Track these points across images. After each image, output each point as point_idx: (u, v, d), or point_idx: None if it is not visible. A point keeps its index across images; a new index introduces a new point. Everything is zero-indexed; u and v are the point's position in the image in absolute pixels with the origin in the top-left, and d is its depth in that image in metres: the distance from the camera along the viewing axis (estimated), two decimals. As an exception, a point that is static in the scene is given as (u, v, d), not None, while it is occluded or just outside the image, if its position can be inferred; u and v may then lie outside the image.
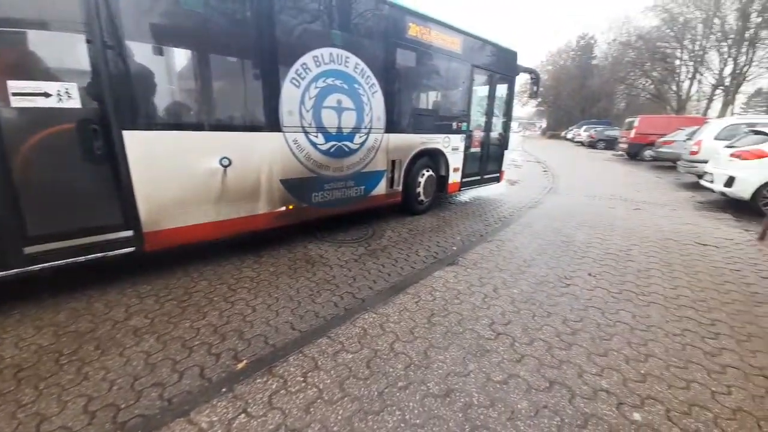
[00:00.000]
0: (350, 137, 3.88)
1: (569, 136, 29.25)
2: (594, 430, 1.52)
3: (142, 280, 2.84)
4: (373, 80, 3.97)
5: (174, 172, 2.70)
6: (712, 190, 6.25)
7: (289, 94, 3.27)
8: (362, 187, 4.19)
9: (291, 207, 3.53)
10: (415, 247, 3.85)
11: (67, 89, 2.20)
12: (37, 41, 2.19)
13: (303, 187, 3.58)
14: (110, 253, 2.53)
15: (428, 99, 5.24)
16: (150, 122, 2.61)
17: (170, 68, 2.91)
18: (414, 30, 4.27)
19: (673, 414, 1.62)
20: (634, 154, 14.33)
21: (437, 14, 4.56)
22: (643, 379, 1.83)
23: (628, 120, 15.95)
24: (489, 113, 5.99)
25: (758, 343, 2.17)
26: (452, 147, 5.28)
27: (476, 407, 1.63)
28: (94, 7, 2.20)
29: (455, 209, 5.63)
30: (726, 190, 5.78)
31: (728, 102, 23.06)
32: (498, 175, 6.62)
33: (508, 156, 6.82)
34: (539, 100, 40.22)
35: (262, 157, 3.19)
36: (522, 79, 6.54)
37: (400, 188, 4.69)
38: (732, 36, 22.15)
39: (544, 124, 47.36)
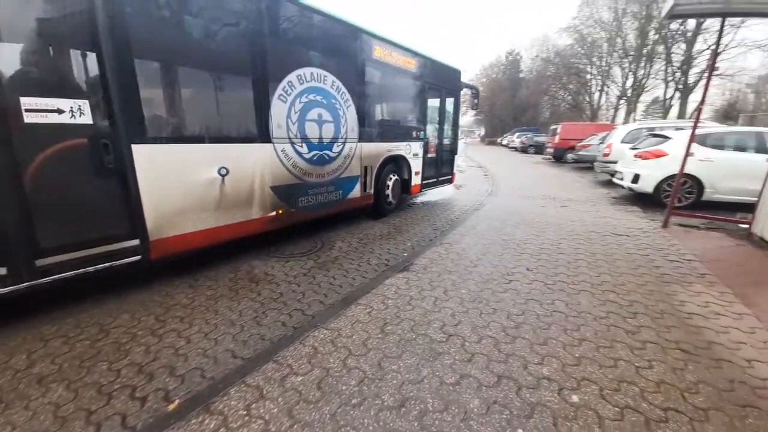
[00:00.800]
0: (330, 146, 4.27)
1: (504, 142, 31.76)
2: (540, 419, 1.60)
3: (47, 319, 2.42)
4: (347, 95, 4.42)
5: (177, 183, 2.85)
6: (622, 187, 7.16)
7: (278, 108, 3.59)
8: (341, 192, 4.59)
9: (281, 212, 3.80)
10: (366, 256, 3.81)
11: (80, 106, 2.28)
12: (50, 59, 2.30)
13: (290, 193, 3.88)
14: (118, 263, 2.59)
15: (392, 111, 5.77)
16: (156, 136, 2.75)
17: (174, 86, 3.16)
18: (378, 52, 4.82)
19: (606, 392, 1.76)
20: (559, 157, 15.96)
21: (397, 38, 5.14)
22: (578, 362, 1.98)
23: (552, 127, 17.83)
24: (441, 123, 6.71)
25: (670, 319, 2.48)
26: (413, 153, 5.91)
27: (431, 413, 1.62)
28: (105, 27, 2.32)
29: (406, 216, 5.73)
30: (633, 186, 6.67)
31: (631, 110, 26.95)
32: (450, 177, 7.43)
33: (458, 160, 7.61)
34: (477, 110, 43.88)
35: (255, 166, 3.43)
36: (463, 93, 7.53)
37: (372, 191, 5.15)
38: (632, 53, 26.01)
39: (482, 131, 50.90)
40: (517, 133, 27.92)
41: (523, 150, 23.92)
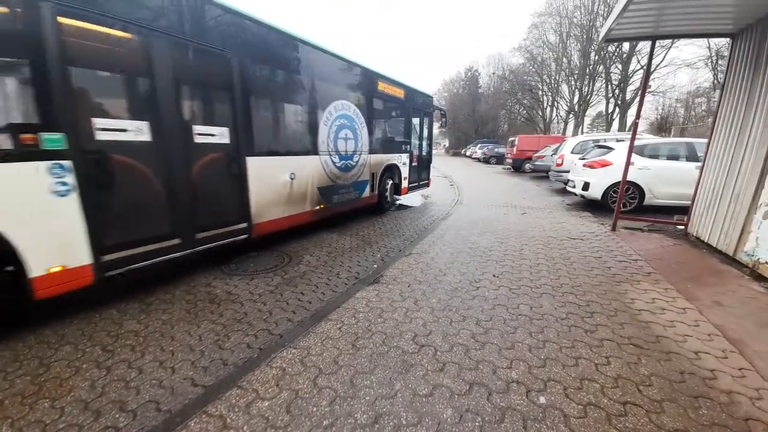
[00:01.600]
0: (351, 157, 5.73)
1: (468, 153, 33.19)
2: (511, 423, 1.63)
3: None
4: (362, 119, 5.88)
5: (268, 184, 4.13)
6: (575, 194, 7.70)
7: (322, 130, 5.02)
8: (357, 192, 6.03)
9: (322, 206, 5.13)
10: (335, 270, 3.74)
11: (224, 131, 3.52)
12: (210, 101, 3.58)
13: (328, 192, 5.24)
14: (234, 239, 3.72)
15: (389, 130, 7.31)
16: (259, 152, 3.96)
17: (268, 116, 4.37)
18: (381, 86, 6.37)
19: (570, 391, 1.84)
20: (517, 168, 16.91)
21: (393, 74, 6.76)
22: (544, 364, 2.06)
23: (510, 139, 18.91)
24: (420, 138, 8.40)
25: (623, 316, 2.66)
26: (403, 162, 7.50)
27: (405, 428, 1.59)
28: (238, 82, 3.62)
29: (374, 227, 5.73)
30: (584, 193, 7.20)
31: (578, 123, 29.28)
32: (428, 181, 9.20)
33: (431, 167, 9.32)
34: (446, 127, 45.94)
35: (309, 172, 4.82)
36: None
37: (376, 192, 6.61)
38: (577, 72, 28.41)
39: (447, 143, 52.79)
40: (479, 145, 29.36)
41: (485, 161, 25.08)
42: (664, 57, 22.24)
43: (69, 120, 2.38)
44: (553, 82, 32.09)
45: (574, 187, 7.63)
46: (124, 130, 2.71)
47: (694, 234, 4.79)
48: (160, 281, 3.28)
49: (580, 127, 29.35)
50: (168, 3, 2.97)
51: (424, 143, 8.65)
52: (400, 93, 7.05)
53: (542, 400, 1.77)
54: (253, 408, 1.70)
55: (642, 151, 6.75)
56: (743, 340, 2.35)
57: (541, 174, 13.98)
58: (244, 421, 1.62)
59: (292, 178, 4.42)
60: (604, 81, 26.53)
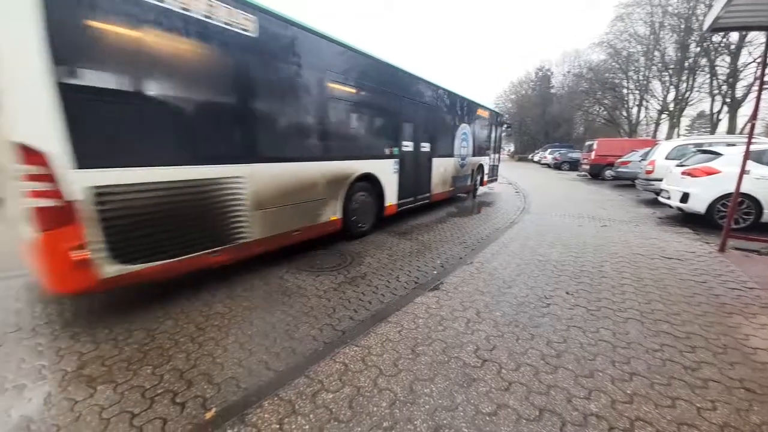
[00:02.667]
0: (465, 159, 8.80)
1: (536, 158, 30.94)
2: (588, 460, 1.46)
3: (101, 324, 2.58)
4: (470, 134, 8.97)
5: (437, 173, 7.25)
6: (670, 206, 6.68)
7: (456, 143, 8.16)
8: (465, 182, 9.04)
9: (452, 188, 8.16)
10: (395, 273, 3.78)
11: (426, 144, 6.77)
12: (423, 130, 6.78)
13: (456, 180, 8.32)
14: (426, 201, 7.05)
15: (481, 140, 10.11)
16: (437, 155, 7.16)
17: (442, 136, 7.45)
18: (479, 111, 9.54)
19: (663, 435, 1.59)
20: (595, 174, 15.26)
21: (484, 101, 10.00)
22: (630, 400, 1.82)
23: (587, 143, 17.14)
24: (494, 146, 11.55)
25: (734, 355, 2.23)
26: (485, 163, 10.61)
27: (467, 444, 1.53)
28: (435, 119, 7.25)
29: (433, 233, 5.66)
30: (682, 205, 6.20)
31: (674, 125, 25.39)
32: (496, 178, 12.49)
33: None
34: (510, 135, 44.41)
35: (450, 167, 7.95)
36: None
37: (472, 183, 9.60)
38: (672, 66, 24.77)
39: (512, 147, 49.92)
40: (549, 149, 27.15)
41: (557, 166, 23.13)
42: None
43: (398, 143, 5.83)
44: (641, 78, 28.34)
45: (668, 198, 6.62)
46: (407, 146, 6.10)
47: (842, 263, 3.81)
48: (244, 270, 3.64)
49: (676, 129, 25.44)
50: (420, 88, 6.51)
51: (497, 149, 12.04)
52: (486, 114, 10.19)
53: (628, 440, 1.56)
54: (318, 398, 1.79)
55: (761, 157, 5.61)
56: None
57: (626, 182, 12.45)
58: (310, 409, 1.72)
59: (442, 170, 7.51)
60: (707, 76, 22.62)
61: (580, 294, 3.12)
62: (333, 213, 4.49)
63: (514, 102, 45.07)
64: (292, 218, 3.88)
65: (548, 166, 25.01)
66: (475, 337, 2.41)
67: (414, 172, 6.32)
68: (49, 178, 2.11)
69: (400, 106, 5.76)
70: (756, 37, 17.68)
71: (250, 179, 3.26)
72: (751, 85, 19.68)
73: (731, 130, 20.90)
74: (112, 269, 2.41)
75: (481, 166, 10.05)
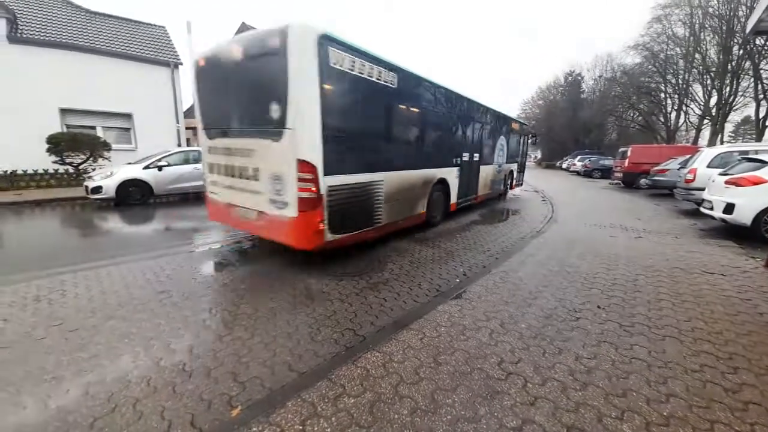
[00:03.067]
0: (501, 165, 9.87)
1: (564, 165, 29.87)
2: (620, 484, 1.39)
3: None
4: (506, 145, 10.05)
5: (484, 177, 8.62)
6: (712, 217, 6.25)
7: (496, 151, 9.30)
8: (499, 186, 10.13)
9: (490, 191, 9.32)
10: (417, 280, 3.76)
11: (476, 155, 7.97)
12: (472, 144, 7.85)
13: (493, 184, 9.46)
14: (471, 203, 8.24)
15: (512, 149, 10.90)
16: (483, 163, 8.44)
17: (487, 148, 8.66)
18: (513, 125, 10.61)
19: (705, 463, 1.48)
20: (629, 183, 14.54)
21: (516, 115, 11.46)
22: (667, 423, 1.71)
23: (621, 150, 16.36)
24: (522, 152, 12.64)
25: (783, 379, 2.05)
26: (514, 169, 11.60)
27: (490, 458, 1.50)
28: (484, 135, 8.47)
29: (457, 240, 5.59)
30: (726, 216, 5.78)
31: (717, 131, 23.76)
32: (522, 182, 13.22)
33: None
34: (535, 144, 43.61)
35: (490, 173, 9.09)
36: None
37: (504, 187, 10.65)
38: (714, 69, 23.33)
39: (539, 154, 48.51)
40: (578, 156, 26.15)
41: (587, 174, 22.24)
42: None
43: (460, 155, 7.13)
44: (680, 82, 26.81)
45: (711, 208, 6.20)
46: (465, 156, 7.30)
47: None
48: (271, 275, 3.76)
49: (720, 135, 23.79)
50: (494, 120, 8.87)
51: (524, 156, 13.06)
52: (516, 126, 11.02)
53: (665, 466, 1.47)
54: (340, 402, 1.81)
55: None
56: None
57: (663, 191, 11.78)
58: (332, 412, 1.74)
59: (485, 176, 8.68)
60: (752, 79, 21.08)
61: (612, 308, 2.98)
62: (422, 207, 5.94)
63: (542, 108, 43.94)
64: (402, 210, 5.32)
65: (578, 173, 24.08)
66: (499, 348, 2.35)
67: (467, 178, 7.67)
68: (314, 180, 3.53)
69: (465, 125, 7.30)
70: None
71: (386, 181, 4.76)
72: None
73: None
74: (328, 237, 3.83)
75: (511, 172, 11.22)
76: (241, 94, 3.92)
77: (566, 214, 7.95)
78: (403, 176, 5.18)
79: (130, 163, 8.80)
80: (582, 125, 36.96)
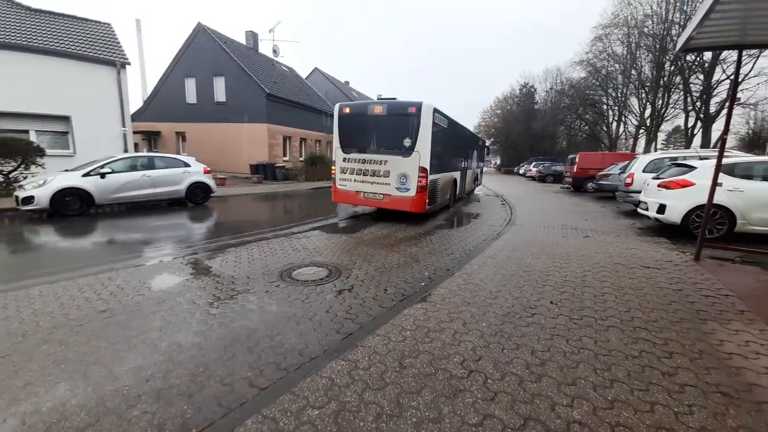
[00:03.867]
0: (474, 170, 14.21)
1: (521, 171, 31.71)
2: (571, 468, 1.48)
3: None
4: (475, 155, 13.56)
5: (467, 177, 12.38)
6: (648, 217, 6.92)
7: (472, 160, 13.07)
8: (473, 185, 14.20)
9: (469, 189, 13.59)
10: (383, 286, 3.78)
11: (466, 163, 11.93)
12: (463, 156, 11.68)
13: (472, 182, 13.88)
14: (462, 195, 12.28)
15: (474, 157, 13.59)
16: (468, 169, 12.35)
17: (471, 155, 13.43)
18: (479, 141, 15.03)
19: (643, 440, 1.63)
20: (578, 187, 15.72)
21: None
22: (611, 406, 1.85)
23: (570, 156, 17.72)
24: (482, 160, 16.48)
25: (709, 360, 2.30)
26: (478, 172, 14.95)
27: (452, 456, 1.53)
28: (462, 147, 11.48)
29: (422, 244, 5.70)
30: (659, 216, 6.44)
31: (651, 139, 26.50)
32: (480, 183, 16.33)
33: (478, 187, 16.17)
34: (492, 140, 46.23)
35: (471, 174, 13.32)
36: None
37: (474, 186, 14.69)
38: (648, 84, 26.06)
39: (498, 161, 51.05)
40: (534, 162, 27.93)
41: (541, 179, 23.74)
42: (753, 66, 19.48)
43: (461, 164, 10.75)
44: (620, 95, 29.70)
45: (646, 209, 6.87)
46: (463, 164, 11.13)
47: (808, 269, 4.01)
48: (236, 285, 3.59)
49: (653, 144, 26.54)
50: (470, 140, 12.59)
51: (483, 162, 17.58)
52: (479, 141, 14.95)
53: (610, 446, 1.59)
54: (303, 415, 1.76)
55: (732, 170, 5.91)
56: None
57: (607, 194, 12.84)
58: (294, 426, 1.69)
59: (469, 177, 12.21)
60: (681, 93, 23.88)
61: (564, 303, 3.19)
62: (448, 196, 9.14)
63: (500, 117, 46.45)
64: (441, 197, 8.37)
65: (533, 178, 25.65)
66: (461, 348, 2.42)
67: (463, 178, 11.10)
68: (426, 177, 6.88)
69: (462, 143, 10.79)
70: (731, 54, 18.80)
71: (441, 179, 8.12)
72: (724, 101, 20.78)
73: (705, 144, 21.93)
74: (428, 207, 7.34)
75: (477, 174, 15.14)
76: (379, 130, 7.10)
77: (523, 217, 8.42)
78: (446, 176, 8.60)
79: (67, 170, 8.03)
80: (536, 134, 39.54)
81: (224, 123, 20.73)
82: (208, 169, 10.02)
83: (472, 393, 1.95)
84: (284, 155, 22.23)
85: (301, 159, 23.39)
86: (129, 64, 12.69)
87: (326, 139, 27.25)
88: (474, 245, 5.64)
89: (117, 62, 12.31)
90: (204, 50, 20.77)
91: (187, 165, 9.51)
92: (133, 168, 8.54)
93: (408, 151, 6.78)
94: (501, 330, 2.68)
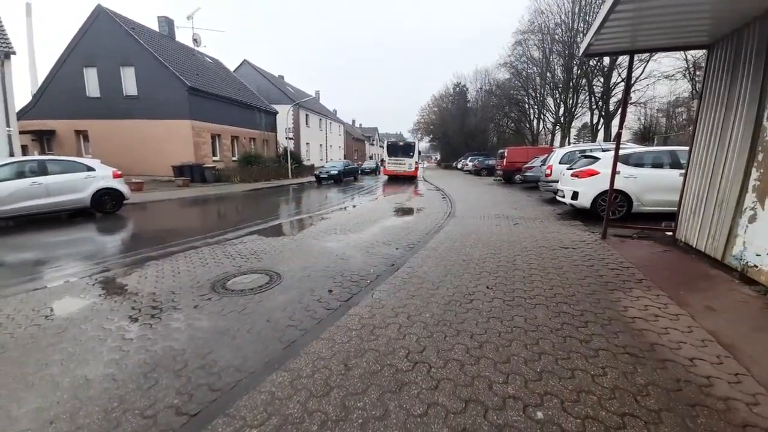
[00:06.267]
0: (418, 163, 24.10)
1: (459, 166, 33.66)
2: (508, 441, 1.57)
3: None
4: (415, 154, 22.28)
5: (421, 167, 28.29)
6: (565, 203, 7.80)
7: (415, 158, 23.41)
8: (418, 171, 23.71)
9: (419, 172, 24.90)
10: (328, 287, 3.68)
11: (415, 161, 23.72)
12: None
13: (422, 170, 29.50)
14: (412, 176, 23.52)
15: (411, 156, 22.37)
16: (418, 164, 24.25)
17: (414, 156, 23.93)
18: (414, 146, 22.80)
19: (567, 404, 1.80)
20: (508, 179, 17.13)
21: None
22: (540, 377, 2.02)
23: (500, 151, 19.22)
24: (418, 157, 24.17)
25: (617, 325, 2.64)
26: (417, 166, 22.96)
27: (399, 451, 1.53)
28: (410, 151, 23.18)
29: (368, 240, 5.69)
30: (573, 202, 7.29)
31: (565, 135, 29.95)
32: (417, 169, 22.69)
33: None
34: (431, 136, 48.28)
35: (416, 166, 24.26)
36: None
37: (417, 173, 23.58)
38: (560, 86, 29.32)
39: (438, 156, 53.46)
40: (470, 158, 29.85)
41: (476, 173, 25.41)
42: (644, 69, 23.09)
43: (416, 161, 23.70)
44: (538, 95, 32.96)
45: (563, 196, 7.73)
46: (417, 162, 23.32)
47: (683, 240, 4.85)
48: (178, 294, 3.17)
49: (567, 138, 30.01)
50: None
51: (420, 159, 25.09)
52: (413, 144, 22.62)
53: (539, 415, 1.73)
54: (239, 436, 1.62)
55: (627, 160, 6.90)
56: (737, 345, 2.34)
57: (532, 185, 14.17)
58: (229, 450, 1.54)
59: (420, 168, 24.26)
60: (587, 94, 27.35)
61: (498, 287, 3.42)
62: (420, 172, 23.97)
63: (437, 114, 48.56)
64: (418, 173, 23.35)
65: (470, 172, 27.36)
66: (406, 341, 2.45)
67: (418, 167, 21.94)
68: (417, 167, 23.43)
69: (413, 149, 21.93)
70: (624, 60, 21.90)
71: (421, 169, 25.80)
72: (620, 101, 24.25)
73: (607, 138, 25.41)
74: (417, 175, 23.60)
75: (418, 165, 23.17)
76: (400, 151, 21.90)
77: (462, 209, 8.90)
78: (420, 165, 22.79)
79: None
80: (470, 130, 42.18)
81: (138, 119, 18.36)
82: (119, 172, 8.73)
83: (417, 384, 1.98)
84: (214, 155, 20.57)
85: (235, 159, 21.93)
86: (14, 53, 10.62)
87: (262, 137, 25.85)
88: (417, 239, 5.80)
89: (0, 52, 10.22)
90: (106, 36, 18.14)
91: (90, 169, 8.21)
92: (20, 175, 7.18)
93: (411, 157, 21.34)
94: (443, 319, 2.77)
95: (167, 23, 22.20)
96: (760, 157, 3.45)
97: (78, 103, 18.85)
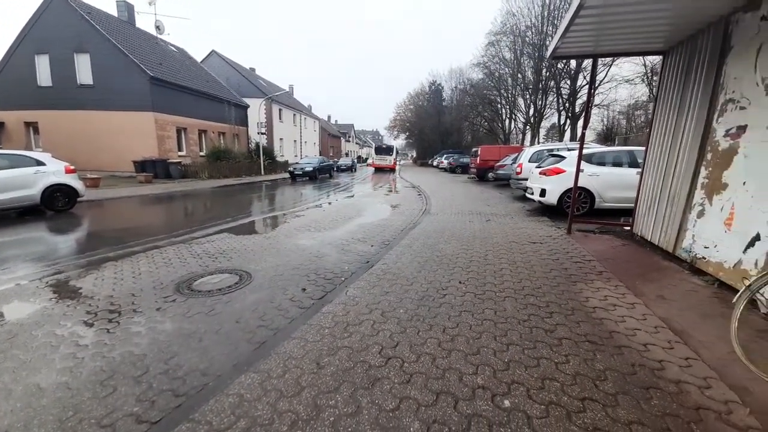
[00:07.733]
0: (397, 161, 34.27)
1: (434, 163, 34.23)
2: (476, 429, 1.62)
3: None
4: (394, 154, 31.37)
5: (398, 164, 36.54)
6: (534, 200, 8.11)
7: (397, 156, 35.31)
8: (396, 165, 32.92)
9: (397, 166, 33.87)
10: (301, 284, 3.61)
11: (393, 159, 32.78)
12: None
13: (400, 166, 38.78)
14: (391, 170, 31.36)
15: (392, 155, 31.13)
16: (396, 162, 34.17)
17: (394, 156, 34.14)
18: (394, 149, 31.99)
19: (532, 392, 1.87)
20: (481, 177, 17.59)
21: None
22: (507, 367, 2.09)
23: (473, 149, 19.70)
24: (396, 156, 31.92)
25: (579, 315, 2.79)
26: (396, 162, 31.45)
27: (370, 447, 1.53)
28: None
29: (343, 238, 5.64)
30: (541, 199, 7.60)
31: (534, 134, 31.13)
32: (395, 165, 30.84)
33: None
34: (407, 134, 48.97)
35: (395, 163, 34.29)
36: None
37: (395, 169, 31.32)
38: (531, 87, 30.39)
39: (414, 153, 53.93)
40: (445, 155, 30.42)
41: (451, 170, 25.90)
42: (606, 74, 24.38)
43: (395, 160, 33.35)
44: (510, 96, 34.00)
45: (532, 194, 8.04)
46: (397, 159, 33.61)
47: (639, 234, 5.19)
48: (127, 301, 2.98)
49: (536, 138, 31.21)
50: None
51: (397, 157, 32.32)
52: (392, 147, 31.47)
53: (507, 403, 1.79)
54: (204, 442, 1.56)
55: (590, 159, 7.27)
56: (687, 331, 2.54)
57: (503, 182, 14.63)
58: (194, 457, 1.48)
59: (398, 163, 33.89)
60: (555, 95, 28.56)
61: (470, 282, 3.51)
62: (397, 167, 31.71)
63: (413, 112, 48.91)
64: (396, 167, 31.76)
65: (445, 170, 27.87)
66: (380, 337, 2.46)
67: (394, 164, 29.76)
68: (395, 163, 32.24)
69: (392, 153, 30.43)
70: (589, 64, 22.95)
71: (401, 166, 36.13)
72: (585, 103, 25.50)
73: (573, 137, 26.67)
74: (397, 168, 32.33)
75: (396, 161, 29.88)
76: (384, 152, 30.74)
77: (437, 206, 9.04)
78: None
79: None
80: (446, 129, 42.87)
81: (93, 111, 17.12)
82: (72, 167, 8.12)
83: (390, 379, 1.99)
84: (180, 149, 19.58)
85: (203, 154, 20.99)
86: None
87: (232, 131, 24.93)
88: (392, 236, 5.82)
89: None
90: (60, 21, 16.79)
91: (40, 163, 7.58)
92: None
93: (389, 156, 29.76)
94: (417, 314, 2.80)
95: (126, 8, 20.81)
96: (708, 156, 3.74)
97: (28, 92, 17.34)
